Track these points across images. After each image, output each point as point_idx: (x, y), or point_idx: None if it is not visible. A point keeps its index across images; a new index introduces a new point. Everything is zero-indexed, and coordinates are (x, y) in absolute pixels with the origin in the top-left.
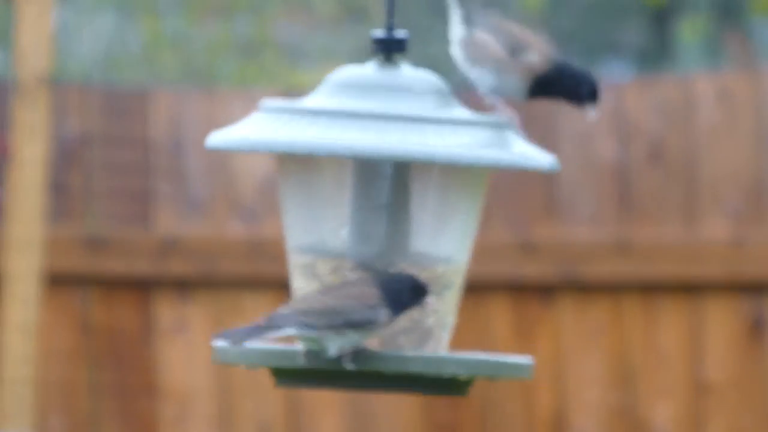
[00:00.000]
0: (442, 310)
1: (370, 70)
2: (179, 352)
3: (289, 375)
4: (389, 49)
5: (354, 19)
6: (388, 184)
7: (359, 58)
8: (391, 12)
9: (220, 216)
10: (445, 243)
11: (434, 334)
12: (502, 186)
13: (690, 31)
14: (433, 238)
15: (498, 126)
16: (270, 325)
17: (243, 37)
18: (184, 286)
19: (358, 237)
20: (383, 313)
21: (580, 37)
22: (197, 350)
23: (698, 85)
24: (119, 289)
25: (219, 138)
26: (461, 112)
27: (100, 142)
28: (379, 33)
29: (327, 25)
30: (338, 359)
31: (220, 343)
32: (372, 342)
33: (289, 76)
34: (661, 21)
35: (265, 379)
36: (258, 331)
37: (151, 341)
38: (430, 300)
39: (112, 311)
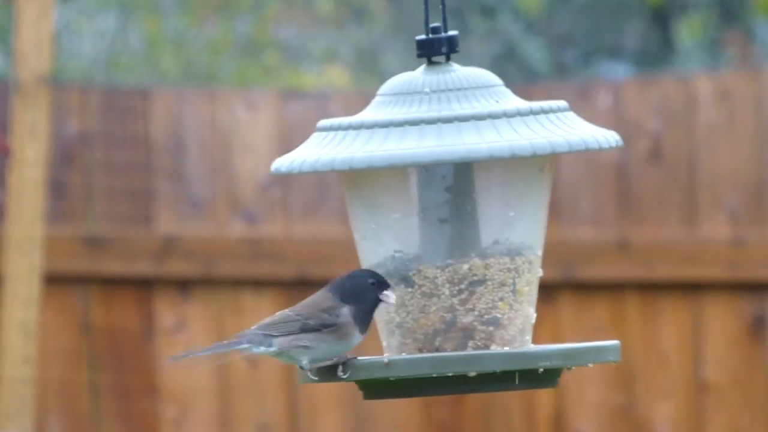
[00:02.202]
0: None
1: (419, 74)
2: (179, 352)
3: (371, 388)
4: (437, 51)
5: (355, 20)
6: (453, 186)
7: (361, 59)
8: (442, 13)
9: (220, 216)
10: (516, 236)
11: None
12: None
13: (690, 31)
14: (502, 233)
15: (557, 110)
16: (227, 344)
17: (243, 38)
18: (184, 286)
19: (428, 242)
20: (342, 313)
21: (580, 37)
22: None
23: (698, 85)
24: (119, 288)
25: (282, 162)
26: (519, 103)
27: (100, 142)
28: (423, 35)
29: (328, 26)
30: (329, 372)
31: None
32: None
33: (290, 77)
34: (661, 21)
35: (265, 379)
36: (210, 349)
37: (151, 341)
38: (391, 294)
39: (112, 311)
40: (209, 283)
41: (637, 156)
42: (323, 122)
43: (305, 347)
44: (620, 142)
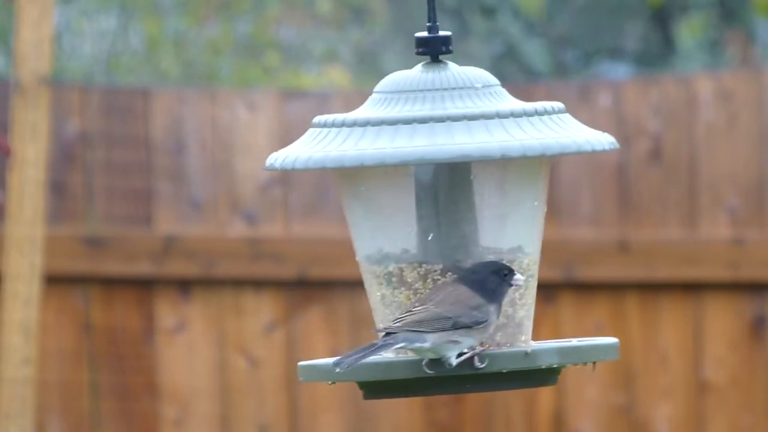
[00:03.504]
0: (529, 301)
1: (417, 72)
2: (180, 352)
3: (377, 388)
4: (436, 50)
5: (355, 20)
6: (449, 185)
7: (361, 59)
8: (433, 11)
9: (220, 216)
10: (513, 235)
11: (524, 326)
12: None
13: (690, 31)
14: (501, 232)
15: (552, 112)
16: (386, 343)
17: (244, 38)
18: (184, 287)
19: (427, 240)
20: (490, 311)
21: (580, 38)
22: (198, 350)
23: (698, 85)
24: (120, 289)
25: (277, 157)
26: (514, 103)
27: (101, 142)
28: (423, 34)
29: (328, 26)
30: (465, 364)
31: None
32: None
33: (291, 77)
34: (662, 21)
35: (266, 379)
36: (373, 350)
37: (151, 341)
38: (519, 276)
39: (113, 311)
40: (209, 283)
41: (637, 156)
42: (318, 118)
43: (455, 342)
44: (615, 145)
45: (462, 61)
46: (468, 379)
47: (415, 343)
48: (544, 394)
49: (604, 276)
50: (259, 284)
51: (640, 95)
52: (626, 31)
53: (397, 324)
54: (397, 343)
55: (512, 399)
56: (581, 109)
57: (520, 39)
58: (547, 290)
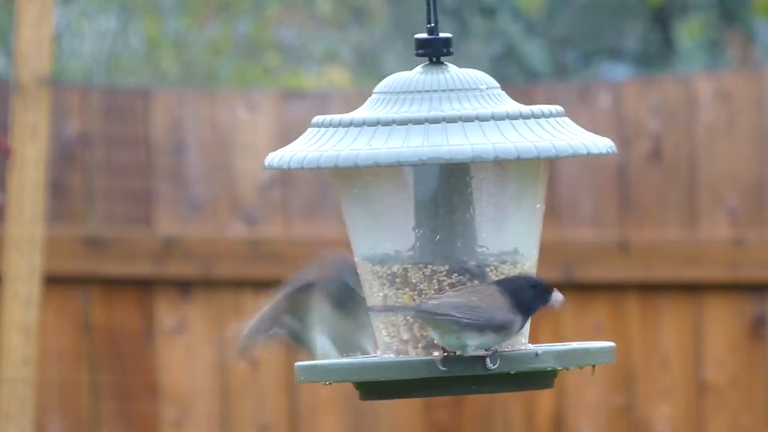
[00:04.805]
0: None
1: (416, 74)
2: (180, 352)
3: (374, 388)
4: (436, 51)
5: (355, 20)
6: (448, 185)
7: (361, 59)
8: (434, 13)
9: (220, 217)
10: (512, 237)
11: (525, 329)
12: None
13: (690, 31)
14: (499, 234)
15: (549, 115)
16: (424, 310)
17: (243, 38)
18: (184, 287)
19: (434, 240)
20: (516, 320)
21: (580, 38)
22: (198, 351)
23: (698, 85)
24: (120, 289)
25: (277, 157)
26: (515, 106)
27: (101, 142)
28: (423, 35)
29: (328, 26)
30: (478, 361)
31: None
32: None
33: (290, 78)
34: (662, 22)
35: (266, 380)
36: (405, 310)
37: (151, 342)
38: (559, 296)
39: (113, 311)
40: (209, 284)
41: (637, 156)
42: (318, 118)
43: (480, 334)
44: (613, 148)
45: (462, 62)
46: (473, 380)
47: (446, 321)
48: (544, 396)
49: (604, 276)
50: (258, 285)
51: (640, 95)
52: (626, 32)
53: (433, 302)
54: (438, 315)
55: (512, 400)
56: (581, 109)
57: (519, 39)
58: None
